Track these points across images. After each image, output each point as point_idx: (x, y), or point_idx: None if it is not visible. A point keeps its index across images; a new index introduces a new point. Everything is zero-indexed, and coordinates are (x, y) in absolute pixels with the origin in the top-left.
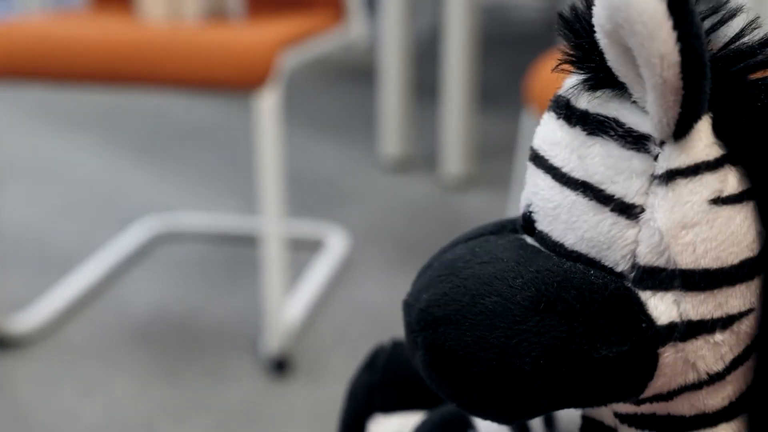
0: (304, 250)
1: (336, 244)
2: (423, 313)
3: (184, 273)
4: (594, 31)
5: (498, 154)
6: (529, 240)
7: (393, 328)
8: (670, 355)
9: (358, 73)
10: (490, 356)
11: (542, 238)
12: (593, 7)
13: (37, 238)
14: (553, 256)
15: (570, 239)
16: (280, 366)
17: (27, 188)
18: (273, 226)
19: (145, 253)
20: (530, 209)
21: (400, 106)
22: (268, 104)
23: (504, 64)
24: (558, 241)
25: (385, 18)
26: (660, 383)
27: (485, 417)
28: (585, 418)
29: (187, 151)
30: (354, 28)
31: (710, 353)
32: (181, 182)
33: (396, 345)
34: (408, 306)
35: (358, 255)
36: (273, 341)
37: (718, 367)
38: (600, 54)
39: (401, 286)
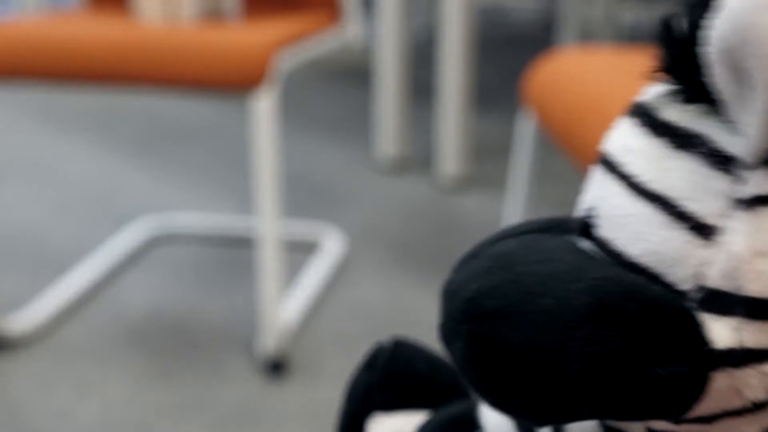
0: (300, 250)
1: (332, 245)
2: (470, 303)
3: (180, 273)
4: (697, 44)
5: (494, 155)
6: (585, 244)
7: (389, 328)
8: (720, 380)
9: (354, 74)
10: (538, 358)
11: (602, 244)
12: (704, 20)
13: (33, 239)
14: (614, 265)
15: (635, 250)
16: (276, 367)
17: (23, 188)
18: (269, 226)
19: (142, 254)
20: (593, 213)
21: (396, 107)
22: (264, 105)
23: (500, 66)
24: (620, 251)
25: (382, 19)
26: (705, 406)
27: (520, 417)
28: (608, 428)
29: (184, 151)
30: (350, 29)
31: (758, 382)
32: (177, 183)
33: (396, 344)
34: (451, 293)
35: (354, 256)
36: (269, 342)
37: (764, 396)
38: (698, 67)
39: (397, 286)
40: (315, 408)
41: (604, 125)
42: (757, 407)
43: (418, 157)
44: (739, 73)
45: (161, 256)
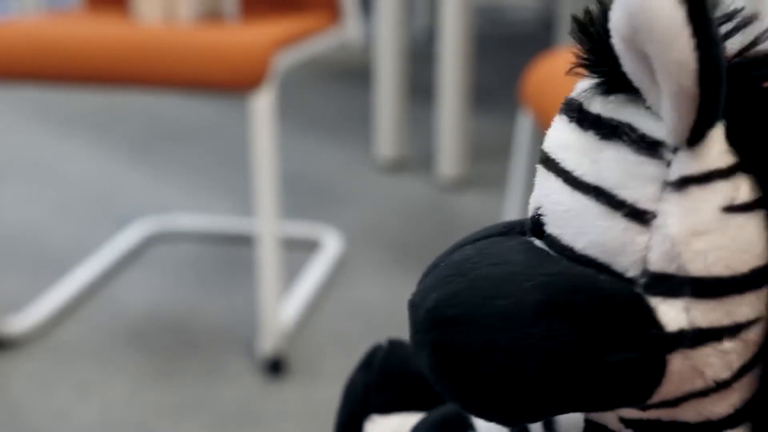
0: (299, 250)
1: (331, 245)
2: (431, 313)
3: (179, 273)
4: (608, 35)
5: (493, 155)
6: (538, 243)
7: (388, 328)
8: (678, 362)
9: (353, 74)
10: (499, 358)
11: (552, 241)
12: (609, 11)
13: (32, 239)
14: (563, 260)
15: (580, 243)
16: (275, 366)
17: (22, 188)
18: (268, 226)
19: (140, 254)
20: (539, 212)
21: (395, 106)
22: (263, 105)
23: (499, 65)
24: (568, 245)
25: (380, 18)
26: (667, 390)
27: (489, 419)
28: (588, 422)
29: (183, 151)
30: (349, 29)
31: (718, 361)
32: (176, 183)
33: (393, 345)
34: (414, 305)
35: (353, 256)
36: (268, 342)
37: (726, 374)
38: (614, 58)
39: (396, 286)
40: (314, 408)
41: None
42: (722, 386)
43: (417, 157)
44: (644, 59)
45: (160, 255)
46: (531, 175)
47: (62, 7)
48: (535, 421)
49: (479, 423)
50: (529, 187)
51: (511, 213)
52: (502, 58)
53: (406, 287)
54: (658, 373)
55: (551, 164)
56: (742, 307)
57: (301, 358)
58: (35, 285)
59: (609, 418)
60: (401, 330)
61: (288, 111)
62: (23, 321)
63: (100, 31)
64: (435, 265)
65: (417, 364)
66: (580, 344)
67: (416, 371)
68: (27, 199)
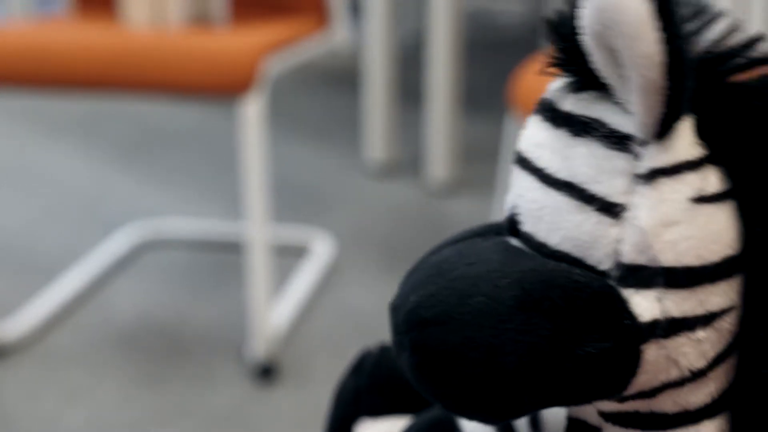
0: (289, 255)
1: (321, 250)
2: (410, 315)
3: (169, 279)
4: (579, 35)
5: (483, 158)
6: (515, 241)
7: (379, 332)
8: (652, 352)
9: (342, 78)
10: (477, 356)
11: (527, 239)
12: (579, 10)
13: (21, 245)
14: (537, 256)
15: (554, 239)
16: (266, 372)
17: (10, 194)
18: (258, 231)
19: (130, 260)
20: (515, 211)
21: (384, 110)
22: (252, 110)
23: (488, 69)
24: (542, 242)
25: (370, 23)
26: (643, 380)
27: (471, 417)
28: (570, 419)
29: (172, 156)
30: (338, 33)
31: (692, 350)
32: (165, 188)
33: (383, 349)
34: (395, 308)
35: (343, 260)
36: (259, 347)
37: (700, 364)
38: (584, 56)
39: (387, 290)
40: (305, 412)
41: None
42: (697, 375)
43: (407, 161)
44: (613, 54)
45: (150, 261)
46: None
47: (50, 12)
48: (516, 417)
49: (467, 425)
50: None
51: (499, 215)
52: (490, 62)
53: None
54: (633, 363)
55: (525, 163)
56: (714, 297)
57: (291, 363)
58: (24, 291)
59: (589, 412)
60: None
61: (277, 115)
62: (12, 327)
63: (88, 37)
64: (415, 268)
65: (400, 366)
66: (555, 337)
67: (406, 375)
68: (15, 205)
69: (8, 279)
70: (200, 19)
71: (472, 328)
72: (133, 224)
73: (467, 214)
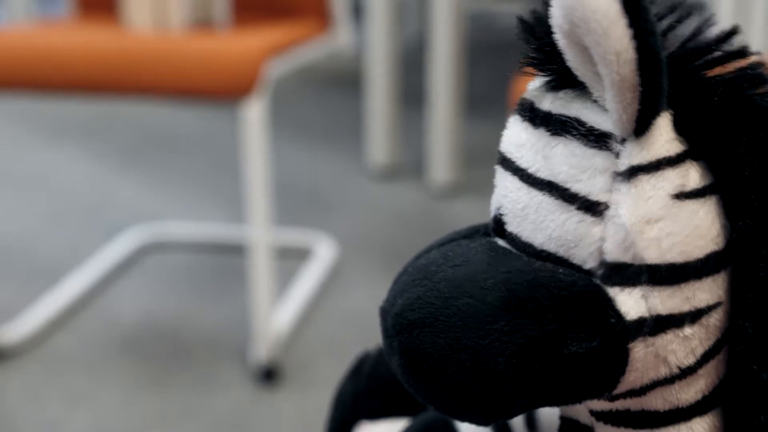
0: (291, 258)
1: (324, 253)
2: (398, 318)
3: (171, 282)
4: (554, 33)
5: (485, 160)
6: (500, 242)
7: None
8: (640, 350)
9: (345, 81)
10: (464, 357)
11: (512, 239)
12: (549, 9)
13: (24, 249)
14: (523, 257)
15: (539, 239)
16: (269, 375)
17: (13, 198)
18: (260, 234)
19: (133, 263)
20: (500, 211)
21: (387, 113)
22: (254, 113)
23: (490, 71)
24: (527, 242)
25: (372, 26)
26: (632, 378)
27: (462, 419)
28: (563, 419)
29: (175, 160)
30: (340, 36)
31: (680, 347)
32: (168, 191)
33: (381, 352)
34: (384, 312)
35: (345, 263)
36: (261, 350)
37: (689, 360)
38: (560, 55)
39: None
40: (307, 416)
41: None
42: (686, 372)
43: (409, 164)
44: (586, 52)
45: (153, 264)
46: None
47: (52, 15)
48: (506, 418)
49: (462, 426)
50: None
51: None
52: (493, 65)
53: None
54: (620, 361)
55: (508, 164)
56: (700, 293)
57: (294, 366)
58: (27, 295)
59: (581, 412)
60: None
61: (279, 119)
62: (15, 331)
63: (90, 40)
64: (403, 272)
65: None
66: (542, 337)
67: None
68: (18, 209)
69: (11, 282)
70: (202, 22)
71: (458, 329)
72: (135, 227)
73: (470, 216)
